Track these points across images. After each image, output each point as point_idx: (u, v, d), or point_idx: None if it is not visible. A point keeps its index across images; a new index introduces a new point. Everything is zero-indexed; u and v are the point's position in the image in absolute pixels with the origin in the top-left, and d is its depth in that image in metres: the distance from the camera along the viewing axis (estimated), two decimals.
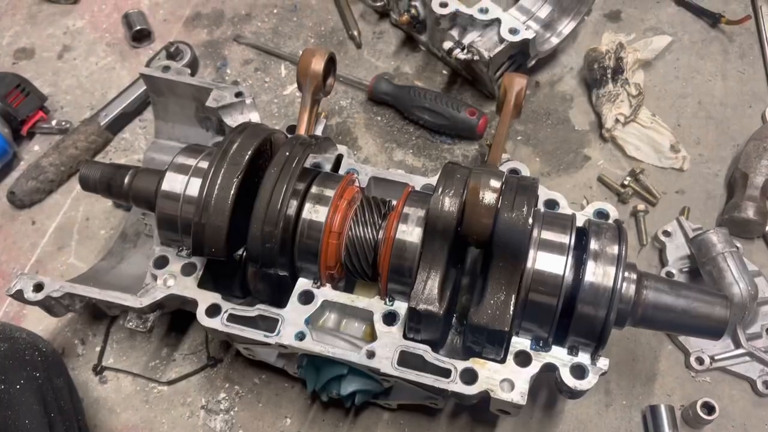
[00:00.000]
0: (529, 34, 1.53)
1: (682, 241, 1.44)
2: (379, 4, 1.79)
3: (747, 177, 1.47)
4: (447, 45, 1.57)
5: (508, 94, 1.34)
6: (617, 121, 1.61)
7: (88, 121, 1.67)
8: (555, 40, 1.67)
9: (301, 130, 1.28)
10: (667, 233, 1.46)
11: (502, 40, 1.53)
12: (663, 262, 1.45)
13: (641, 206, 1.51)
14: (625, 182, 1.54)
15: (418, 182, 1.28)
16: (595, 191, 1.57)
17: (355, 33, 1.83)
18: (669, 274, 1.40)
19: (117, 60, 1.84)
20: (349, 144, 1.67)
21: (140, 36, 1.84)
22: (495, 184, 1.07)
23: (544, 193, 1.24)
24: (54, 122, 1.69)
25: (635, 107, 1.60)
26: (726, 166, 1.60)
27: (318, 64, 1.29)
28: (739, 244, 1.37)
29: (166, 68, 1.46)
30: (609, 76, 1.63)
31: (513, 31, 1.53)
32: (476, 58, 1.55)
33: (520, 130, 1.66)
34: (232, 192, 1.09)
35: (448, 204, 1.07)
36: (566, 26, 1.68)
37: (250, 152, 1.12)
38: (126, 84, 1.77)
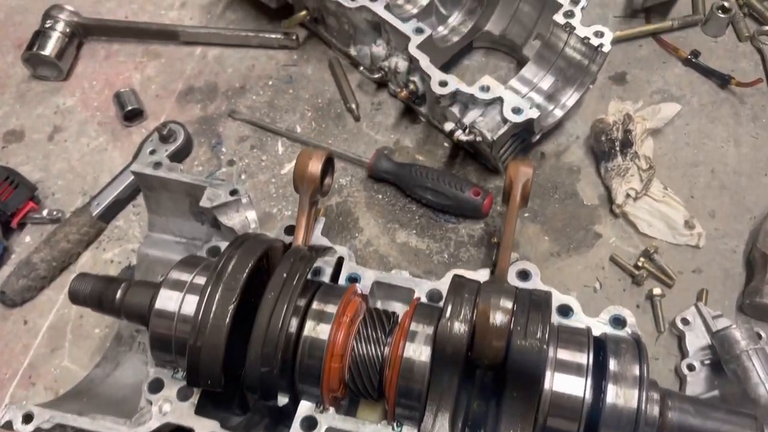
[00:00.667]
0: (533, 114, 1.47)
1: (702, 330, 1.37)
2: (376, 76, 1.74)
3: (766, 258, 1.41)
4: (448, 127, 1.52)
5: (513, 188, 1.29)
6: (628, 196, 1.55)
7: (80, 211, 1.61)
8: (559, 113, 1.61)
9: (299, 237, 1.22)
10: (686, 321, 1.39)
11: (505, 120, 1.47)
12: (683, 352, 1.38)
13: (657, 290, 1.44)
14: (639, 263, 1.48)
15: (423, 288, 1.22)
16: (607, 272, 1.51)
17: (353, 106, 1.77)
18: (690, 366, 1.33)
19: (109, 140, 1.78)
20: (350, 225, 1.61)
21: (132, 115, 1.79)
22: (506, 304, 1.02)
23: (556, 299, 1.17)
24: (45, 212, 1.64)
25: (646, 182, 1.54)
26: (743, 240, 1.53)
27: (315, 167, 1.24)
28: (763, 333, 1.31)
29: (158, 164, 1.41)
30: (617, 149, 1.57)
31: (516, 111, 1.47)
32: (479, 139, 1.49)
33: (527, 206, 1.60)
34: (227, 321, 1.03)
35: (458, 328, 1.01)
36: (570, 98, 1.62)
37: (245, 276, 1.07)
38: (118, 165, 1.72)
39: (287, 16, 1.88)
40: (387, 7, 1.64)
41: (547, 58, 1.63)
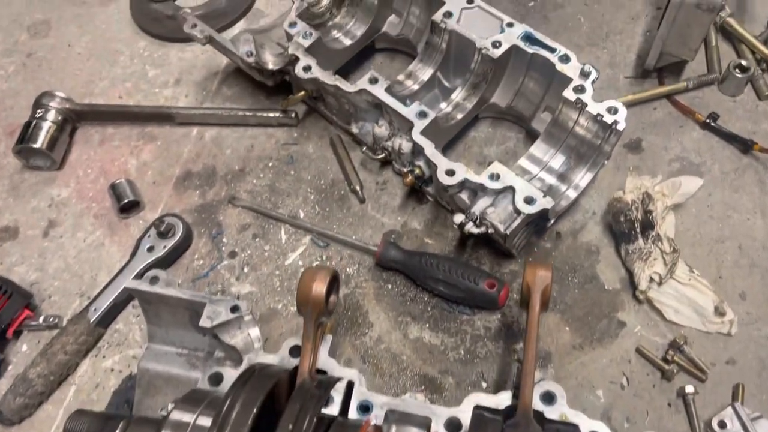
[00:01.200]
0: (547, 204, 1.39)
1: None
2: (380, 156, 1.66)
3: None
4: (457, 219, 1.44)
5: (532, 297, 1.21)
6: (652, 280, 1.46)
7: (77, 318, 1.54)
8: (573, 194, 1.53)
9: (305, 365, 1.15)
10: (723, 424, 1.30)
11: (518, 211, 1.39)
12: None
13: (689, 387, 1.35)
14: (668, 356, 1.39)
15: (441, 416, 1.13)
16: (634, 366, 1.42)
17: (358, 187, 1.70)
18: None
19: (106, 234, 1.72)
20: (359, 320, 1.53)
21: (129, 207, 1.72)
22: None
23: (586, 425, 1.09)
24: (42, 319, 1.57)
25: (671, 266, 1.45)
26: None
27: (320, 290, 1.16)
28: None
29: (155, 279, 1.34)
30: (638, 230, 1.49)
31: (529, 201, 1.39)
32: (491, 231, 1.41)
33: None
34: None
35: None
36: (583, 178, 1.54)
37: (250, 421, 0.99)
38: (116, 262, 1.66)
39: (285, 90, 1.81)
40: (389, 89, 1.57)
41: (557, 136, 1.55)
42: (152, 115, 1.87)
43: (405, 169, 1.63)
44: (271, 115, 1.83)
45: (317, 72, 1.61)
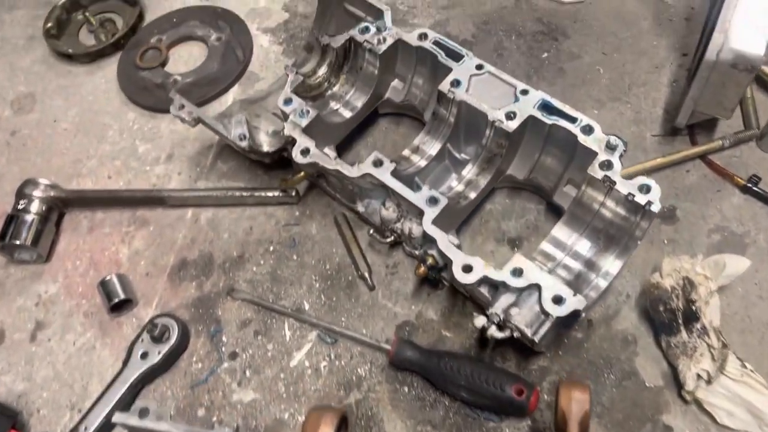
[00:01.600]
0: (578, 303, 1.24)
1: None
2: (389, 240, 1.52)
3: None
4: (478, 323, 1.29)
5: (569, 426, 1.05)
6: (699, 377, 1.30)
7: None
8: (603, 283, 1.38)
9: None
10: None
11: (545, 312, 1.24)
12: None
13: None
14: None
15: None
16: None
17: (366, 274, 1.56)
18: None
19: (97, 335, 1.59)
20: (373, 431, 1.38)
21: (120, 305, 1.59)
22: None
23: None
24: None
25: (720, 362, 1.30)
26: None
27: None
28: None
29: (144, 412, 1.21)
30: (680, 322, 1.33)
31: (558, 301, 1.24)
32: (516, 335, 1.27)
33: None
34: None
35: None
36: (613, 264, 1.38)
37: None
38: (108, 368, 1.53)
39: (284, 164, 1.68)
40: (395, 171, 1.43)
41: (582, 217, 1.41)
42: (143, 199, 1.74)
43: (416, 252, 1.50)
44: (270, 194, 1.69)
45: (316, 155, 1.47)
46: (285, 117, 1.55)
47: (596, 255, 1.40)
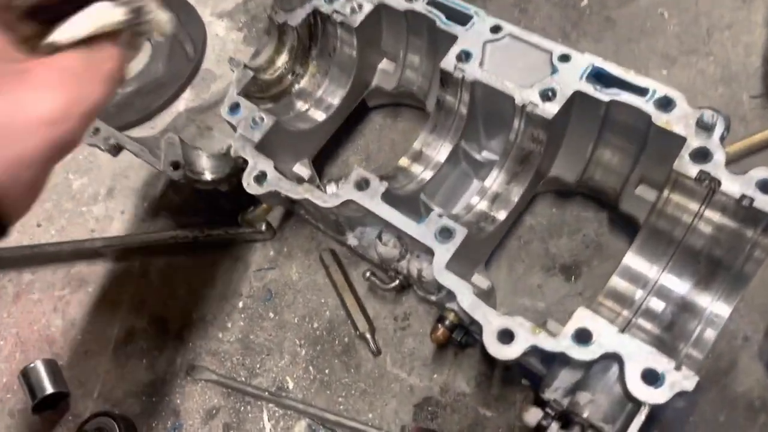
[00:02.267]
0: (687, 383, 0.78)
1: None
2: (392, 285, 1.09)
3: None
4: (532, 418, 0.85)
5: None
6: None
7: None
8: (710, 334, 0.91)
9: None
10: None
11: (632, 398, 0.79)
12: None
13: None
14: None
15: None
16: None
17: (368, 334, 1.13)
18: None
19: None
20: None
21: (50, 401, 1.20)
22: None
23: None
24: None
25: None
26: None
27: None
28: None
29: None
30: None
31: (651, 378, 0.80)
32: None
33: None
34: None
35: None
36: (723, 302, 0.92)
37: None
38: None
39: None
40: (388, 194, 0.99)
41: (667, 235, 0.95)
42: (75, 253, 1.34)
43: (432, 297, 1.05)
44: (236, 231, 1.27)
45: (276, 182, 1.04)
46: (234, 129, 1.12)
47: (694, 291, 0.94)
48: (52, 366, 1.22)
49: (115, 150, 1.15)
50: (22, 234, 1.45)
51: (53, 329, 1.31)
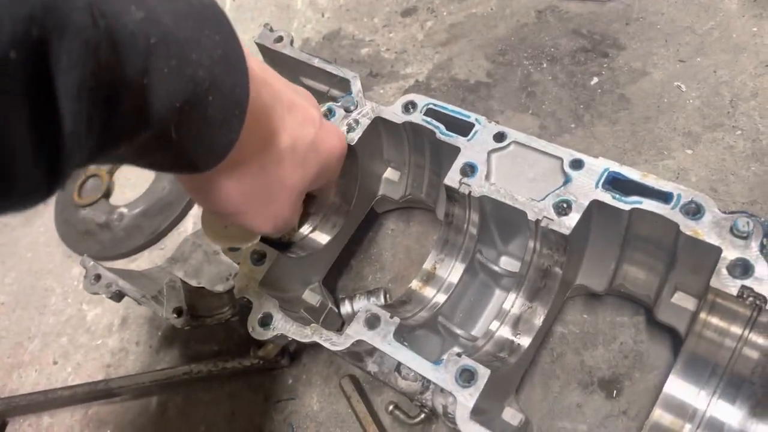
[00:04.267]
0: None
1: None
2: (417, 420, 1.00)
3: None
4: None
5: None
6: None
7: None
8: None
9: None
10: None
11: None
12: None
13: None
14: None
15: None
16: None
17: None
18: None
19: None
20: None
21: None
22: None
23: None
24: None
25: None
26: None
27: None
28: None
29: None
30: None
31: None
32: None
33: None
34: None
35: None
36: None
37: None
38: None
39: None
40: (401, 329, 0.91)
41: (710, 358, 0.85)
42: (90, 395, 1.29)
43: None
44: (250, 363, 1.21)
45: (281, 325, 0.98)
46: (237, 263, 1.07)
47: (749, 420, 0.83)
48: None
49: (118, 297, 1.11)
50: (39, 373, 1.42)
51: None
